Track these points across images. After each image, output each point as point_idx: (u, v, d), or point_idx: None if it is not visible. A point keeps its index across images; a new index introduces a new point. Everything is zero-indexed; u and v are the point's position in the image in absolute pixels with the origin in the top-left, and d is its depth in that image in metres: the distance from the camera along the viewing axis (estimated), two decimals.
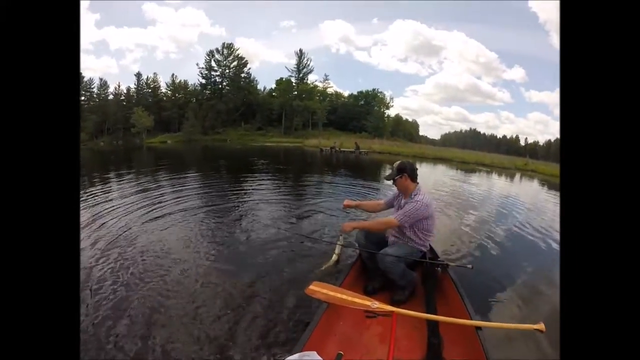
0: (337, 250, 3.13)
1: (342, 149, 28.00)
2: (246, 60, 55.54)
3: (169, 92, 57.94)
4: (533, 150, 79.74)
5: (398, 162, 2.78)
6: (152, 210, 5.77)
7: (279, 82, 55.62)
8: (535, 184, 18.17)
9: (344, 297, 2.05)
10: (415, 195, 2.69)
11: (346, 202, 3.15)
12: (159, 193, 7.50)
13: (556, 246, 5.37)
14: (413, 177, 2.73)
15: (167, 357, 2.17)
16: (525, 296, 3.35)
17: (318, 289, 2.16)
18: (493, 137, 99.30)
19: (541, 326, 1.59)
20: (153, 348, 2.23)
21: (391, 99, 61.66)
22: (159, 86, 58.66)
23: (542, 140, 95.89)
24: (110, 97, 56.85)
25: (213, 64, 54.37)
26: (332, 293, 2.10)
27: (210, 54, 54.29)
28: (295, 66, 55.35)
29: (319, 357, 1.56)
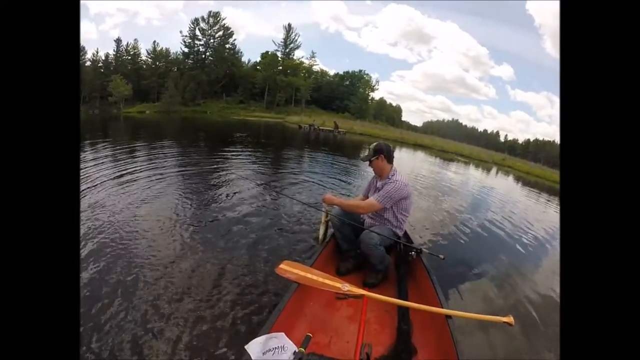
0: (323, 219, 3.02)
1: (320, 128, 28.13)
2: (232, 31, 53.58)
3: (149, 60, 55.52)
4: (512, 147, 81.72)
5: (374, 144, 2.76)
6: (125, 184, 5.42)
7: (265, 55, 54.23)
8: (510, 179, 19.02)
9: (315, 277, 2.01)
10: (392, 175, 2.67)
11: (328, 197, 2.92)
12: (131, 164, 7.17)
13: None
14: (389, 158, 2.71)
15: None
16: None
17: (288, 269, 2.11)
18: (474, 130, 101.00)
19: (510, 319, 1.60)
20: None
21: (377, 82, 61.76)
22: (139, 53, 56.07)
23: (521, 138, 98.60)
24: (88, 63, 54.04)
25: (197, 32, 52.24)
26: (302, 273, 2.06)
27: (195, 22, 52.01)
28: (283, 41, 54.07)
29: (287, 339, 1.54)
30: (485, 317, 1.78)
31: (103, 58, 55.12)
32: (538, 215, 8.47)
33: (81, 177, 5.37)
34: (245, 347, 1.50)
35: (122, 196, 4.61)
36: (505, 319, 1.60)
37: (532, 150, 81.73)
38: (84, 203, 4.11)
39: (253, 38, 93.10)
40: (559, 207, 11.83)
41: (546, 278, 3.97)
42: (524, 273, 4.05)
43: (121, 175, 5.83)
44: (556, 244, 5.80)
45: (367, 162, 2.77)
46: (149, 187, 5.18)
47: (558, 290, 3.48)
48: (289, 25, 54.11)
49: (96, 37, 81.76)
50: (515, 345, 2.49)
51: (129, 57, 55.52)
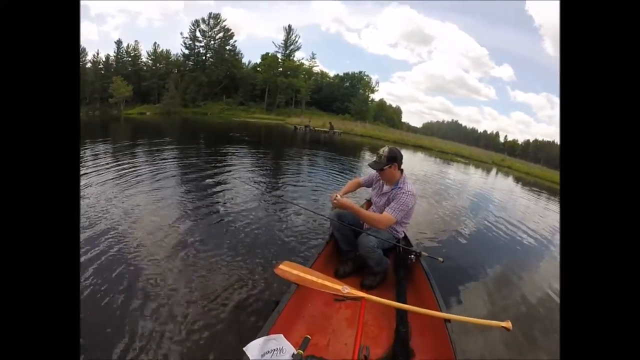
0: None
1: (316, 128, 28.57)
2: (232, 32, 53.63)
3: (149, 61, 55.79)
4: (511, 148, 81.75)
5: (387, 150, 2.55)
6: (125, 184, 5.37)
7: (265, 57, 54.29)
8: (509, 179, 18.94)
9: (315, 279, 2.00)
10: (403, 184, 2.56)
11: (342, 200, 2.58)
12: (131, 165, 7.08)
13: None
14: (400, 165, 2.58)
15: None
16: None
17: (288, 269, 2.10)
18: (474, 131, 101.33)
19: (508, 324, 1.59)
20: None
21: (377, 83, 61.74)
22: (140, 55, 56.42)
23: (521, 139, 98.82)
24: (88, 65, 54.36)
25: (198, 34, 52.34)
26: (302, 274, 2.05)
27: (196, 23, 52.12)
28: (283, 42, 54.22)
29: (286, 340, 1.55)
30: (483, 321, 1.77)
31: (104, 59, 55.38)
32: (537, 216, 8.57)
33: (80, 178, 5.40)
34: (244, 348, 1.50)
35: (121, 196, 4.63)
36: (503, 324, 1.60)
37: (532, 150, 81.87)
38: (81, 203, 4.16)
39: (253, 39, 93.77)
40: (557, 207, 11.75)
41: (546, 280, 4.01)
42: (523, 275, 4.07)
43: (121, 176, 5.86)
44: (556, 244, 5.82)
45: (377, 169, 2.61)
46: (149, 188, 5.19)
47: (557, 292, 3.58)
48: (290, 26, 54.32)
49: (97, 39, 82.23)
50: (513, 348, 2.50)
51: (130, 59, 55.78)
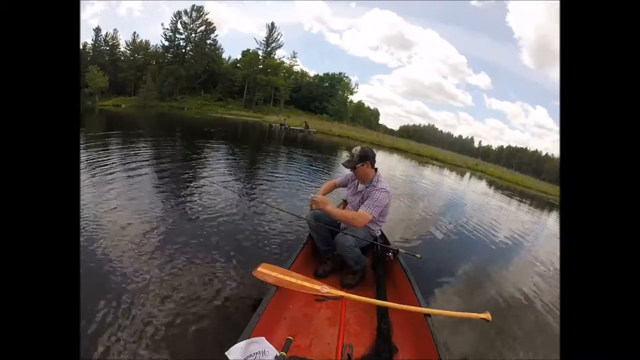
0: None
1: (291, 127, 29.03)
2: (214, 26, 53.38)
3: (127, 52, 54.72)
4: (485, 153, 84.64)
5: (359, 149, 2.61)
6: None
7: (245, 53, 54.63)
8: (483, 183, 19.85)
9: (294, 280, 2.00)
10: (377, 182, 2.59)
11: (321, 200, 2.55)
12: (105, 160, 6.63)
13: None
14: (373, 163, 2.64)
15: None
16: None
17: (267, 272, 2.08)
18: (449, 135, 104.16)
19: (487, 315, 1.60)
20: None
21: (356, 85, 63.50)
22: (118, 44, 55.22)
23: (495, 145, 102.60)
24: None
25: (179, 26, 51.78)
26: (281, 276, 2.04)
27: (178, 15, 51.51)
28: (265, 39, 54.53)
29: (268, 343, 1.52)
30: (463, 314, 1.77)
31: (80, 47, 53.58)
32: (509, 217, 9.11)
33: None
34: (226, 353, 1.47)
35: (94, 192, 4.39)
36: (482, 316, 1.62)
37: (505, 156, 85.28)
38: None
39: (235, 34, 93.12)
40: (528, 209, 12.82)
41: (519, 277, 4.20)
42: (498, 272, 4.21)
43: (93, 168, 5.64)
44: (527, 244, 6.45)
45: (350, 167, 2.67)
46: (123, 185, 4.94)
47: (530, 287, 3.91)
48: (272, 24, 54.71)
49: None
50: (491, 340, 2.60)
51: (107, 48, 54.44)
